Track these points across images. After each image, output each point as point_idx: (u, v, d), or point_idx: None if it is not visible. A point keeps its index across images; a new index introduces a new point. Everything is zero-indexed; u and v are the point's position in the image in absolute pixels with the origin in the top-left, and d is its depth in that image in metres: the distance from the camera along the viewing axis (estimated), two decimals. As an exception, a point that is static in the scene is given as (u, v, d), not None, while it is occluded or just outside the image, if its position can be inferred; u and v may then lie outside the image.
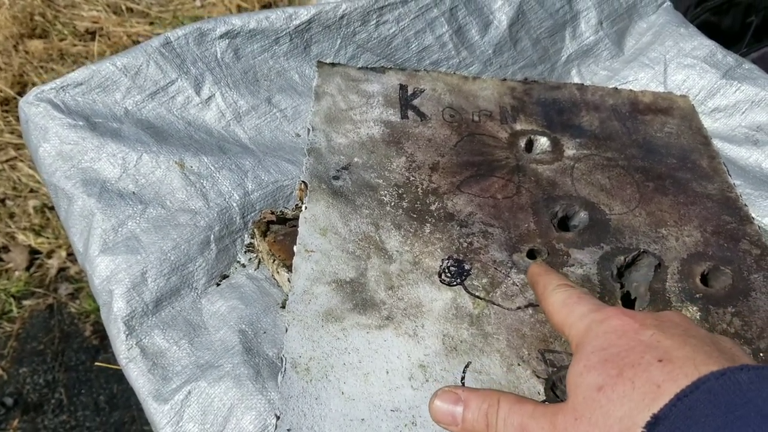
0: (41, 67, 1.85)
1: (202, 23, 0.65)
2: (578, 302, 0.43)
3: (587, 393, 0.36)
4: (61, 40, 1.94)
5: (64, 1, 2.06)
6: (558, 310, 0.44)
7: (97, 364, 1.30)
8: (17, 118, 1.72)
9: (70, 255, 1.50)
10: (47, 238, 1.52)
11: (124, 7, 2.04)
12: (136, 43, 1.93)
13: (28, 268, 1.47)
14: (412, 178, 0.59)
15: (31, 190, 1.59)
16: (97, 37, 1.94)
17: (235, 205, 0.60)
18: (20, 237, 1.51)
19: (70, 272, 1.48)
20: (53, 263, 1.48)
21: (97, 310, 1.38)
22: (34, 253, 1.50)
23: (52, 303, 1.44)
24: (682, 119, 0.69)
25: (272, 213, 0.59)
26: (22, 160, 1.65)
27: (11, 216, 1.54)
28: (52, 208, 1.57)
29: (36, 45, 1.90)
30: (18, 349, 1.36)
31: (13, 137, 1.68)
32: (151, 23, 2.01)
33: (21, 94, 1.77)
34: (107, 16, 2.00)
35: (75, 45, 1.92)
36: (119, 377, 1.32)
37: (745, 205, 0.61)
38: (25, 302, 1.43)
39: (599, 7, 0.79)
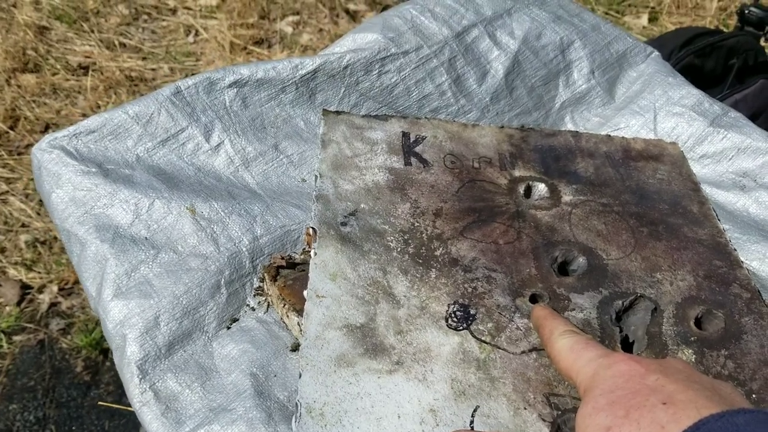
0: (34, 101, 1.86)
1: (211, 73, 0.68)
2: (585, 348, 0.45)
3: None
4: (54, 74, 1.95)
5: (57, 35, 2.08)
6: (565, 356, 0.46)
7: (100, 403, 1.29)
8: (9, 152, 1.73)
9: (62, 290, 1.50)
10: (38, 272, 1.51)
11: (117, 42, 2.06)
12: (129, 78, 1.95)
13: (19, 303, 1.47)
14: (416, 224, 0.61)
15: (23, 225, 1.59)
16: (90, 72, 1.95)
17: (244, 249, 0.61)
18: (11, 271, 1.50)
19: (62, 307, 1.48)
20: (44, 298, 1.48)
21: (89, 345, 1.39)
22: (25, 287, 1.49)
23: (43, 338, 1.43)
24: (673, 165, 0.72)
25: (282, 258, 0.60)
26: (13, 195, 1.65)
27: (2, 250, 1.54)
28: (43, 243, 1.57)
29: (28, 79, 1.92)
30: (8, 386, 1.35)
31: (4, 171, 1.69)
32: (144, 58, 2.03)
33: (13, 128, 1.78)
34: (100, 51, 2.02)
35: (68, 79, 1.94)
36: (111, 414, 1.32)
37: (735, 249, 0.64)
38: (16, 338, 1.42)
39: (591, 57, 0.83)
